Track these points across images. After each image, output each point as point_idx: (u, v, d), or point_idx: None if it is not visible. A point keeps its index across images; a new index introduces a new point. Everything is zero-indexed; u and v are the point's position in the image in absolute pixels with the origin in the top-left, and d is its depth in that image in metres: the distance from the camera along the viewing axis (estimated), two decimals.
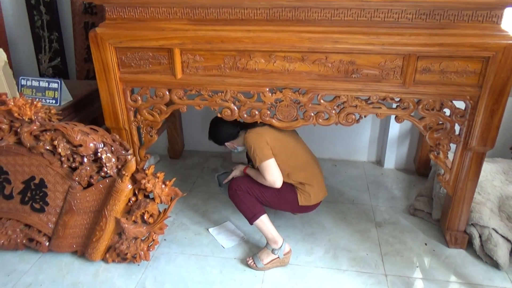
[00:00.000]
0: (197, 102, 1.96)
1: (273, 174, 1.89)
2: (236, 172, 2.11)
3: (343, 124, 1.89)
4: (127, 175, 1.88)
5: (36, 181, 1.98)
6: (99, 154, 1.87)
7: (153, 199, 1.92)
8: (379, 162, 2.95)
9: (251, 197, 1.96)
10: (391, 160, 2.87)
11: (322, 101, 1.85)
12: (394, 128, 2.74)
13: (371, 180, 2.74)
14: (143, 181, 1.86)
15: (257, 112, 1.93)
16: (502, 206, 2.10)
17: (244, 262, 2.01)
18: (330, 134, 2.91)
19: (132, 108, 2.05)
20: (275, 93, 1.88)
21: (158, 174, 1.89)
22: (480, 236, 1.98)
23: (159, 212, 1.92)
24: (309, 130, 2.79)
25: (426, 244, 2.10)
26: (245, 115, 1.94)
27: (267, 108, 1.92)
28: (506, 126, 2.60)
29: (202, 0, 1.76)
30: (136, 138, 2.14)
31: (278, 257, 1.95)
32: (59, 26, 2.88)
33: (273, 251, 1.95)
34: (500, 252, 1.89)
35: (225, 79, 1.88)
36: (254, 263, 1.97)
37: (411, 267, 1.96)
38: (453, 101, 1.77)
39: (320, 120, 1.90)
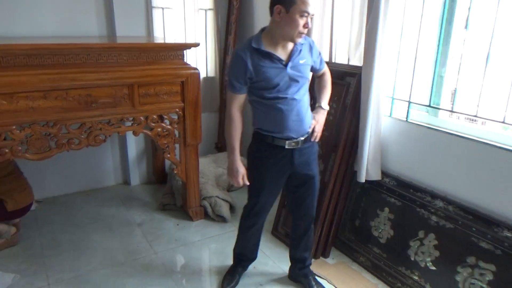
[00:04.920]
0: None
1: None
2: None
3: (93, 145, 2.30)
4: None
5: None
6: None
7: None
8: (126, 182, 3.43)
9: None
10: (135, 178, 3.41)
11: (70, 129, 2.20)
12: (132, 151, 3.30)
13: (123, 197, 3.19)
14: None
15: (7, 150, 2.07)
16: (218, 182, 3.03)
17: None
18: (75, 168, 3.16)
19: None
20: (24, 129, 2.08)
21: None
22: (210, 204, 2.81)
23: None
24: (56, 170, 3.01)
25: (178, 224, 2.77)
26: None
27: (18, 144, 2.09)
28: (209, 133, 3.65)
29: None
30: None
31: (6, 239, 2.43)
32: None
33: (0, 235, 2.40)
34: (224, 210, 2.78)
35: None
36: None
37: (172, 241, 2.56)
38: (170, 114, 2.51)
39: (73, 145, 2.24)
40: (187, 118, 2.54)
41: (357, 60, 2.38)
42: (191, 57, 3.28)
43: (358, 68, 2.25)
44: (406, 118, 2.19)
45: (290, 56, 1.75)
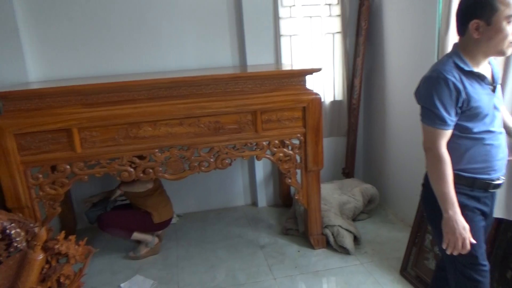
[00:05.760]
0: (97, 170, 2.31)
1: None
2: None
3: (220, 168, 2.46)
4: (38, 245, 2.05)
5: None
6: (7, 231, 2.02)
7: (67, 262, 2.11)
8: (254, 203, 3.57)
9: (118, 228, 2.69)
10: (263, 200, 3.52)
11: (201, 153, 2.41)
12: (259, 173, 3.43)
13: (250, 218, 3.32)
14: (56, 246, 2.06)
15: (151, 170, 2.38)
16: (342, 210, 2.89)
17: None
18: (211, 188, 3.44)
19: (33, 186, 2.26)
20: (164, 152, 2.37)
21: (70, 237, 2.12)
22: (332, 234, 2.69)
23: (75, 272, 2.11)
24: (194, 189, 3.33)
25: (299, 251, 2.72)
26: (141, 174, 2.36)
27: (159, 165, 2.38)
28: (336, 157, 3.55)
29: (93, 88, 2.23)
30: (38, 214, 2.32)
31: (150, 248, 2.77)
32: None
33: (147, 244, 2.76)
34: (347, 241, 2.62)
35: (120, 147, 2.30)
36: (134, 254, 2.74)
37: (291, 268, 2.53)
38: (291, 139, 2.53)
39: (203, 168, 2.44)
40: (308, 144, 2.51)
41: None
42: (318, 81, 3.26)
43: None
44: None
45: (493, 78, 1.48)
